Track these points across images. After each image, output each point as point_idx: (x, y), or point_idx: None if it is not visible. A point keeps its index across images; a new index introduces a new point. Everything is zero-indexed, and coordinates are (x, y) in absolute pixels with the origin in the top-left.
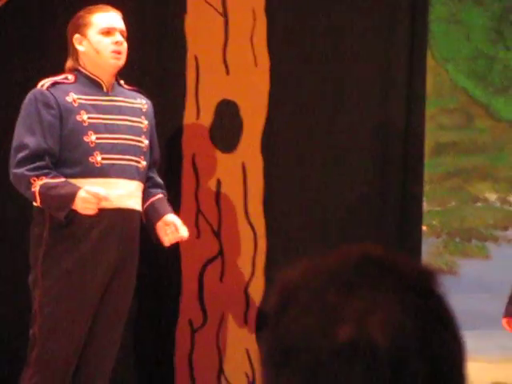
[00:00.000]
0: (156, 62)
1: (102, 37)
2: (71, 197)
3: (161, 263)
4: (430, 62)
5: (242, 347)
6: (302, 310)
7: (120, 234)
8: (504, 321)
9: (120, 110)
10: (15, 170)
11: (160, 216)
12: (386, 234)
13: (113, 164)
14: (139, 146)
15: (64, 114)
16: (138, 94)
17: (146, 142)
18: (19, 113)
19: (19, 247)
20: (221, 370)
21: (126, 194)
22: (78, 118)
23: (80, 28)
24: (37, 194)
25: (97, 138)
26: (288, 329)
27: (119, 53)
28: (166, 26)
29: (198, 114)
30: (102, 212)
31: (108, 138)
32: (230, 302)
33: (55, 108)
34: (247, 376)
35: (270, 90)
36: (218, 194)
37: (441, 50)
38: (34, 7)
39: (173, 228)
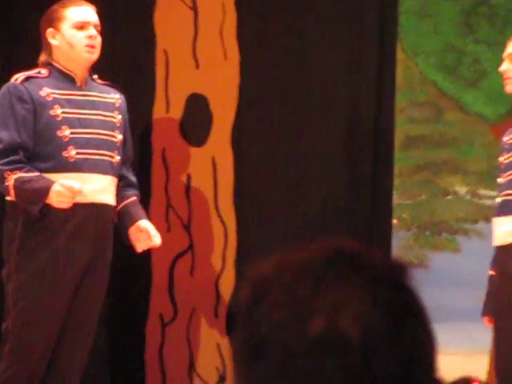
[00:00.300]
0: (125, 56)
1: (76, 31)
2: (45, 190)
3: (131, 257)
4: (400, 56)
5: (212, 341)
6: (273, 304)
7: (94, 229)
8: (485, 320)
9: (93, 105)
10: None
11: (133, 221)
12: (356, 228)
13: (86, 159)
14: (113, 141)
15: (38, 108)
16: (112, 89)
17: (120, 136)
18: None
19: None
20: (191, 365)
21: (99, 188)
22: (52, 112)
23: (54, 22)
24: (11, 188)
25: (71, 133)
26: (260, 322)
27: (93, 47)
28: (135, 19)
29: (167, 108)
30: (76, 206)
31: (82, 133)
32: (200, 297)
33: (29, 102)
34: (218, 370)
35: (239, 84)
36: (188, 188)
37: (410, 43)
38: (3, 1)
39: (146, 235)
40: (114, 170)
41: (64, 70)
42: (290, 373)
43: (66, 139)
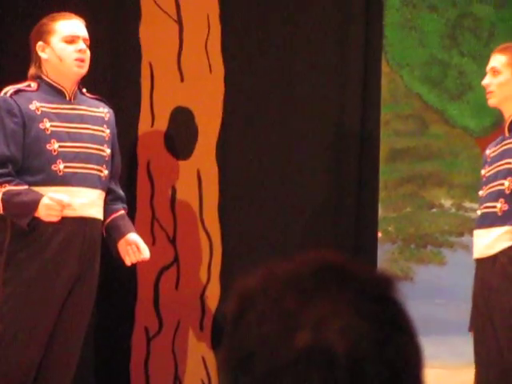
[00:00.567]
0: (110, 68)
1: (66, 44)
2: (34, 204)
3: (116, 270)
4: (385, 68)
5: (198, 354)
6: (259, 317)
7: (82, 243)
8: (472, 333)
9: (82, 119)
10: None
11: (122, 234)
12: (341, 240)
13: (75, 172)
14: (101, 155)
15: (27, 121)
16: (101, 103)
17: (108, 151)
18: None
19: None
20: (177, 378)
21: (87, 202)
22: (41, 125)
23: (43, 35)
24: None
25: (59, 147)
26: (246, 335)
27: (82, 61)
28: (120, 32)
29: (152, 121)
30: (65, 220)
31: (71, 147)
32: (185, 309)
33: (18, 116)
34: (203, 383)
35: (224, 97)
36: (173, 201)
37: (395, 55)
38: None
39: (135, 248)
40: (102, 184)
41: (53, 84)
42: None
43: (55, 153)
